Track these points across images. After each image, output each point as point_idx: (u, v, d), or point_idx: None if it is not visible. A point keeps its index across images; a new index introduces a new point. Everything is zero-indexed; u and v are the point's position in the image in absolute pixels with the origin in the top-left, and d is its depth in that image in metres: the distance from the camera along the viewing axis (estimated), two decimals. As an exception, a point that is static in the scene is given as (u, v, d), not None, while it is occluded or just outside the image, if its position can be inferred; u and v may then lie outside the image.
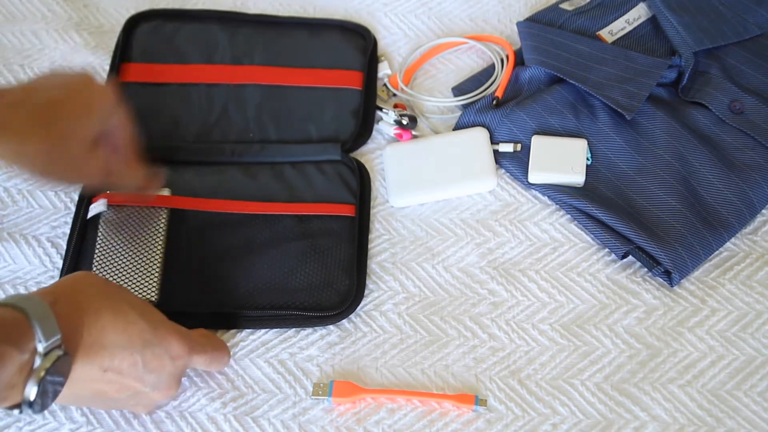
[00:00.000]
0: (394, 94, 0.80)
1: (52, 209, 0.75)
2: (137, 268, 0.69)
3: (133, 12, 0.85)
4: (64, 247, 0.72)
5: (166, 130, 0.78)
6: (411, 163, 0.75)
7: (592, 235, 0.71)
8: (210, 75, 0.81)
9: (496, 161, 0.75)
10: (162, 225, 0.71)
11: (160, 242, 0.70)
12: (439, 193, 0.74)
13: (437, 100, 0.79)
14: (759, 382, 0.64)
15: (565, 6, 0.83)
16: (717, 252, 0.70)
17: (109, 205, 0.71)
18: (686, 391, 0.64)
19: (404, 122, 0.77)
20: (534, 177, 0.73)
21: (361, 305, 0.68)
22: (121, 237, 0.70)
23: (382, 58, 0.82)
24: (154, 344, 0.57)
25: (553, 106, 0.76)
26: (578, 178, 0.72)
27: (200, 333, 0.64)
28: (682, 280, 0.68)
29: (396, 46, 0.84)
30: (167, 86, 0.80)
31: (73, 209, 0.74)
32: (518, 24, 0.82)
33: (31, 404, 0.50)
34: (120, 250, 0.70)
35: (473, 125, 0.77)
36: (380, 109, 0.78)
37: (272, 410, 0.64)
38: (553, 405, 0.63)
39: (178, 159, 0.76)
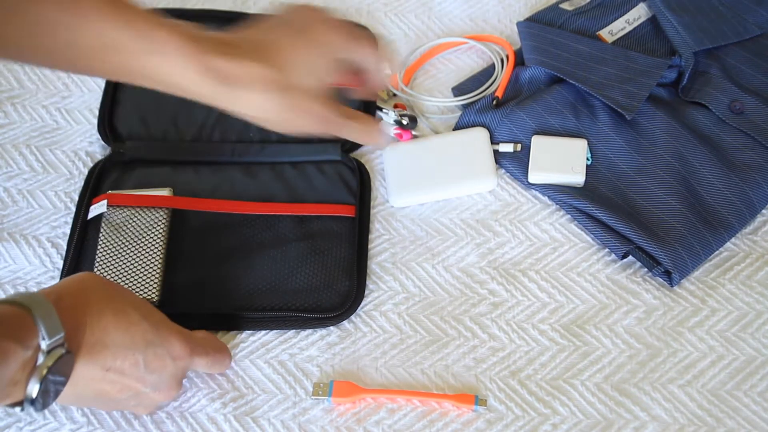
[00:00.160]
0: (394, 94, 0.80)
1: (52, 209, 0.75)
2: (138, 269, 0.69)
3: (133, 12, 0.85)
4: (64, 247, 0.72)
5: (166, 130, 0.78)
6: (411, 163, 0.75)
7: (592, 235, 0.71)
8: (210, 74, 0.81)
9: (496, 161, 0.75)
10: (163, 226, 0.71)
11: (161, 243, 0.70)
12: (439, 193, 0.74)
13: (437, 100, 0.79)
14: (759, 382, 0.64)
15: (565, 6, 0.83)
16: (717, 252, 0.70)
17: (110, 206, 0.72)
18: (686, 391, 0.64)
19: (404, 122, 0.77)
20: (534, 177, 0.73)
21: (361, 305, 0.68)
22: (122, 238, 0.70)
23: (382, 57, 0.83)
24: (156, 344, 0.57)
25: (553, 106, 0.76)
26: (578, 178, 0.72)
27: (202, 335, 0.64)
28: (682, 280, 0.68)
29: (396, 46, 0.84)
30: (167, 86, 0.80)
31: (73, 209, 0.74)
32: (518, 24, 0.82)
33: (33, 402, 0.50)
34: (121, 250, 0.70)
35: (473, 125, 0.77)
36: (380, 109, 0.78)
37: (272, 410, 0.64)
38: (553, 405, 0.63)
39: (178, 158, 0.76)
